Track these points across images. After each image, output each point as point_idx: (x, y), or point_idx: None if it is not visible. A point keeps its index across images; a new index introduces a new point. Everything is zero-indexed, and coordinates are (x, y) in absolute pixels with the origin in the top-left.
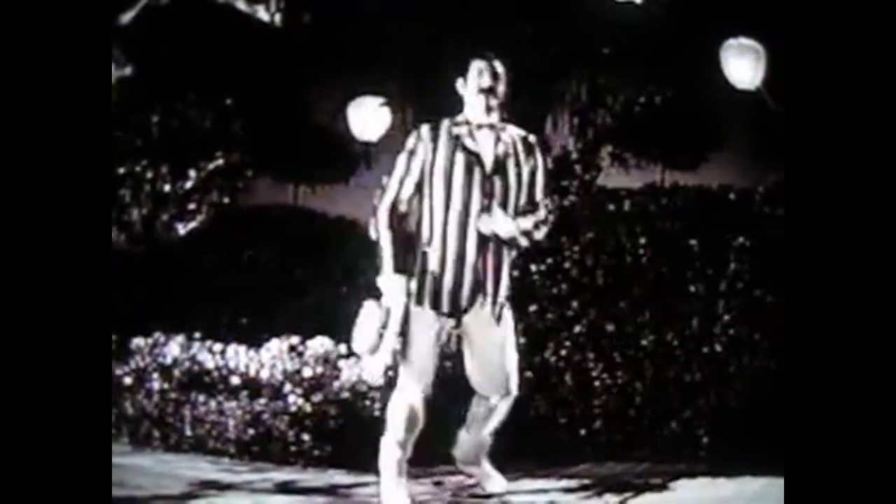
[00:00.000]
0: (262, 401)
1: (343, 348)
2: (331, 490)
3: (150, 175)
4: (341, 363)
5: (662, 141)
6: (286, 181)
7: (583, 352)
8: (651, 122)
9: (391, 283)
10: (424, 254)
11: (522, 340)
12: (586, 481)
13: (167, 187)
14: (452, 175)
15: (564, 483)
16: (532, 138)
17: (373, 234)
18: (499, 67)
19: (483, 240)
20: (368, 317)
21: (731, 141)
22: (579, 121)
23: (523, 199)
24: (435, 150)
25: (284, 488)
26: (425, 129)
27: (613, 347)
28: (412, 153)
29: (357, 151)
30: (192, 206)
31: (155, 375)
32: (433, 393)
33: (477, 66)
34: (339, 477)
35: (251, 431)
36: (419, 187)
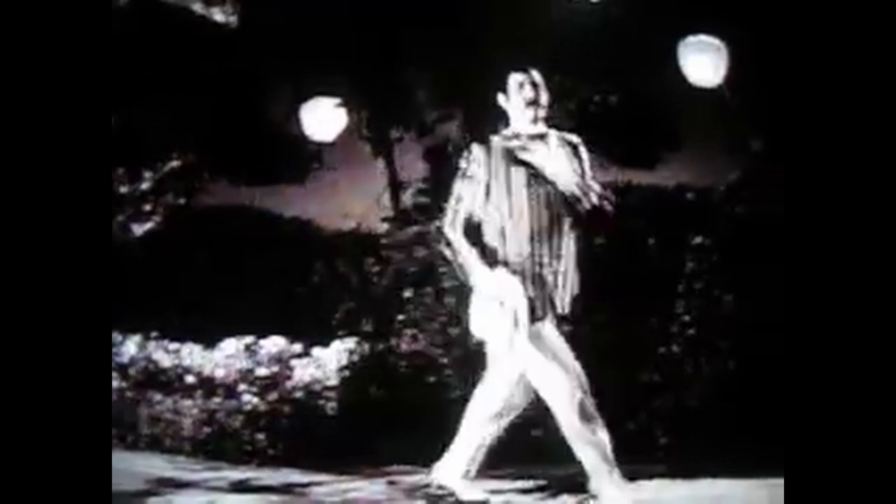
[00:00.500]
0: (217, 399)
1: (297, 347)
2: (286, 489)
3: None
4: (295, 362)
5: (619, 140)
6: (241, 182)
7: None
8: (608, 121)
9: (501, 278)
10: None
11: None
12: (542, 482)
13: (123, 189)
14: (511, 191)
15: (520, 484)
16: (575, 139)
17: (447, 253)
18: (537, 77)
19: (556, 253)
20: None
21: (689, 140)
22: None
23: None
24: (490, 168)
25: (240, 487)
26: (478, 149)
27: (569, 348)
28: (467, 176)
29: (312, 152)
30: (147, 208)
31: (112, 374)
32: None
33: (517, 79)
34: (294, 476)
35: (206, 430)
36: (479, 206)
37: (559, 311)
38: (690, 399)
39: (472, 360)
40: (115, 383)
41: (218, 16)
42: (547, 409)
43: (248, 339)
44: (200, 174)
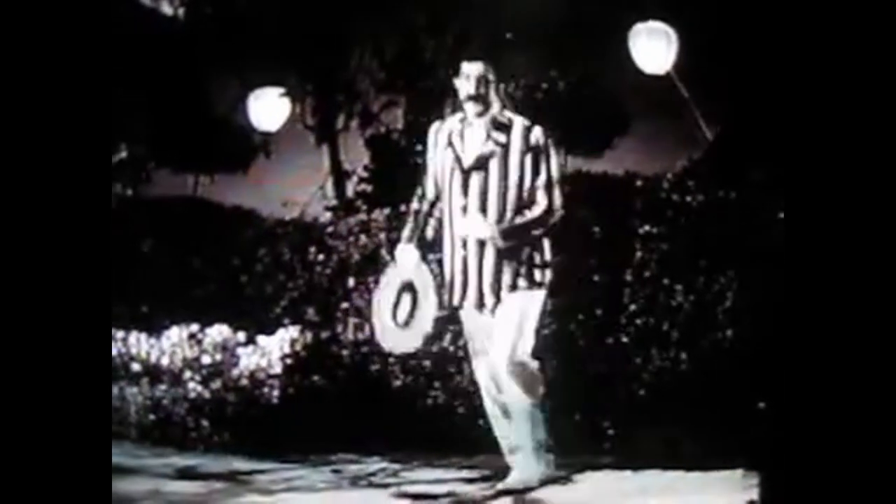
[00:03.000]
0: (163, 387)
1: (241, 336)
2: (230, 476)
3: None
4: (239, 351)
5: (566, 127)
6: (186, 172)
7: None
8: (555, 108)
9: (412, 259)
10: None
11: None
12: (486, 472)
13: None
14: (440, 174)
15: (465, 473)
16: (537, 131)
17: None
18: (488, 70)
19: (464, 241)
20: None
21: (638, 126)
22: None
23: (516, 195)
24: (435, 148)
25: (185, 474)
26: (432, 127)
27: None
28: (424, 154)
29: (256, 142)
30: None
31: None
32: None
33: (465, 71)
34: (238, 463)
35: (152, 417)
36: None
37: (476, 297)
38: (639, 390)
39: (418, 350)
40: None
41: (164, 7)
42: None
43: (193, 327)
44: (146, 164)
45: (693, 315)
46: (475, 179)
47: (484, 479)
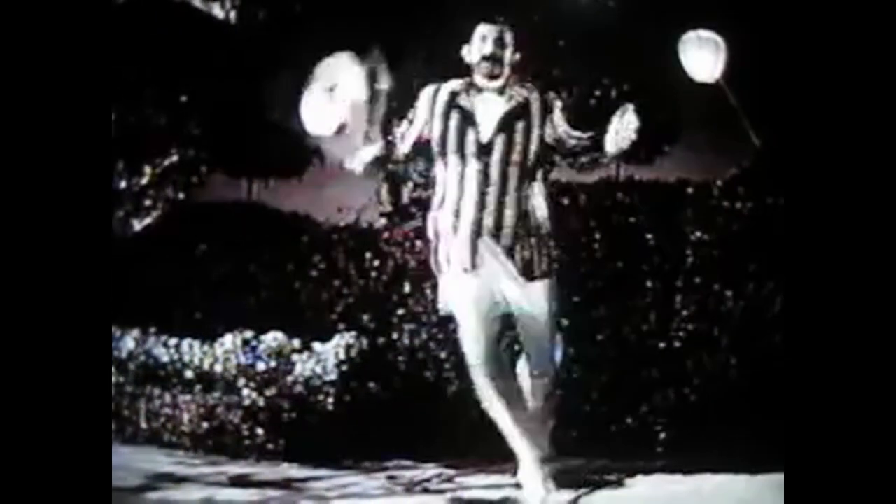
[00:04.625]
0: (216, 394)
1: (296, 343)
2: (285, 483)
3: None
4: (294, 357)
5: None
6: (240, 177)
7: None
8: (607, 115)
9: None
10: (435, 219)
11: None
12: None
13: (122, 184)
14: (447, 135)
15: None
16: (551, 96)
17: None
18: (505, 33)
19: (482, 198)
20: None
21: (688, 134)
22: None
23: (537, 154)
24: (433, 111)
25: (238, 481)
26: (426, 91)
27: (569, 343)
28: (410, 119)
29: (311, 146)
30: (147, 203)
31: (111, 370)
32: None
33: (481, 31)
34: (292, 471)
35: (205, 425)
36: (419, 151)
37: (503, 252)
38: (690, 394)
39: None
40: (113, 378)
41: (216, 11)
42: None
43: (248, 333)
44: (199, 169)
45: (743, 320)
46: (498, 140)
47: None
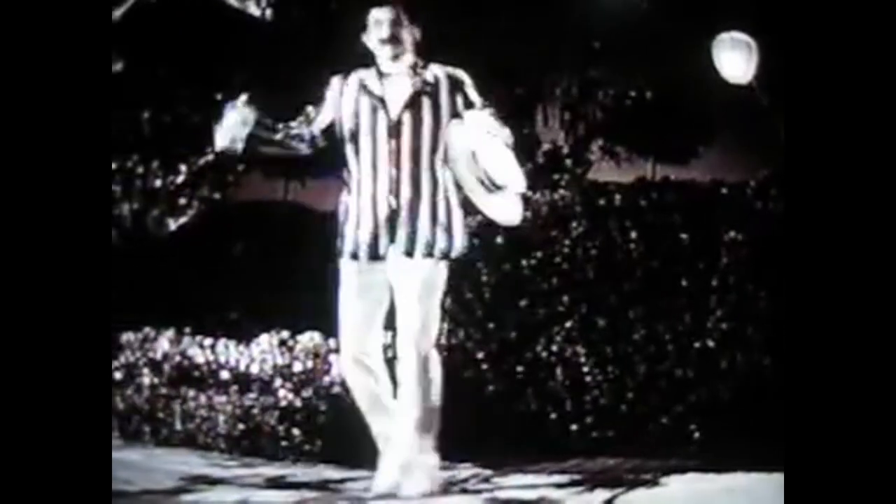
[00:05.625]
0: (252, 395)
1: (333, 343)
2: (321, 485)
3: (140, 170)
4: (332, 358)
5: (653, 135)
6: (276, 176)
7: (573, 347)
8: (642, 116)
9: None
10: (345, 204)
11: (513, 335)
12: (577, 476)
13: (158, 182)
14: (359, 121)
15: (555, 478)
16: (460, 73)
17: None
18: (399, 13)
19: (397, 181)
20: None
21: (722, 135)
22: (570, 115)
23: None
24: (342, 98)
25: (275, 483)
26: (334, 79)
27: (604, 342)
28: (319, 105)
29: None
30: (182, 202)
31: (145, 370)
32: None
33: (374, 16)
34: (329, 472)
35: (241, 426)
36: (330, 139)
37: (408, 241)
38: (724, 394)
39: (509, 356)
40: (147, 379)
41: (252, 9)
42: (584, 404)
43: (284, 334)
44: (235, 168)
45: (777, 320)
46: (406, 119)
47: (574, 483)
